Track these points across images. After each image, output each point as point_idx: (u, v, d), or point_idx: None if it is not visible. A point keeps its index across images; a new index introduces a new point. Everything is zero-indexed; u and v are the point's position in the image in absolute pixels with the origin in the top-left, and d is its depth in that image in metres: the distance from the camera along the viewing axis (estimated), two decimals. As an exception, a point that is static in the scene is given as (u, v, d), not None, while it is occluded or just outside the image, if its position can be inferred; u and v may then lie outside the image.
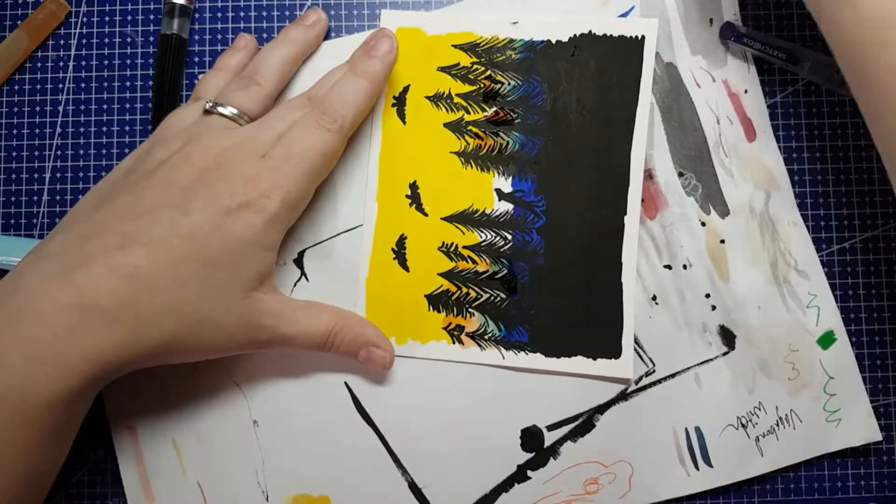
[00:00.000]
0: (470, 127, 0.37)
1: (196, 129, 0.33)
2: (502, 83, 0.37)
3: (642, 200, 0.36)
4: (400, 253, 0.37)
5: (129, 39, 0.38)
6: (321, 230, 0.37)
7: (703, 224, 0.37)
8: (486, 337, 0.36)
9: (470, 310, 0.36)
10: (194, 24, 0.38)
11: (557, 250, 0.36)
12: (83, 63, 0.38)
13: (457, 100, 0.37)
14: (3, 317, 0.28)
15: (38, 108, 0.38)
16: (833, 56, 0.31)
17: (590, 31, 0.37)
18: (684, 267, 0.37)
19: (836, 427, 0.36)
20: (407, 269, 0.37)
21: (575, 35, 0.37)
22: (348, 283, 0.37)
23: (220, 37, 0.38)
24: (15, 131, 0.38)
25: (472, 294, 0.36)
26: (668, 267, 0.37)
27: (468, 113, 0.37)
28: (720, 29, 0.37)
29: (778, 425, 0.36)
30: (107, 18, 0.38)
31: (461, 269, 0.37)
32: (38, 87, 0.38)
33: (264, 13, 0.38)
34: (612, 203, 0.36)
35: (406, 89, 0.37)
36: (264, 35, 0.38)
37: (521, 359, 0.36)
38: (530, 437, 0.36)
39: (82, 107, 0.38)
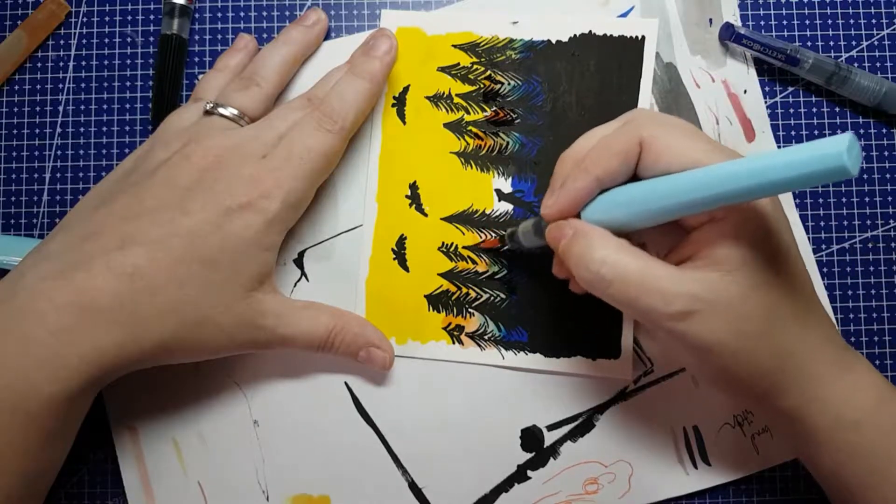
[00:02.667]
0: (470, 127, 0.37)
1: (196, 129, 0.33)
2: (502, 83, 0.37)
3: (642, 201, 0.36)
4: (400, 253, 0.37)
5: (129, 39, 0.38)
6: (321, 230, 0.37)
7: (703, 224, 0.37)
8: (485, 337, 0.36)
9: (470, 310, 0.36)
10: (194, 24, 0.38)
11: (557, 250, 0.36)
12: (83, 63, 0.38)
13: (457, 100, 0.37)
14: (3, 317, 0.28)
15: (38, 108, 0.38)
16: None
17: (590, 31, 0.37)
18: (684, 267, 0.37)
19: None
20: (407, 269, 0.37)
21: (575, 35, 0.37)
22: (348, 283, 0.37)
23: (220, 37, 0.38)
24: (15, 131, 0.38)
25: (472, 294, 0.37)
26: (668, 267, 0.37)
27: (468, 113, 0.37)
28: (720, 29, 0.37)
29: (775, 424, 0.36)
30: (107, 18, 0.38)
31: (461, 269, 0.37)
32: (38, 87, 0.38)
33: (264, 13, 0.38)
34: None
35: (406, 89, 0.37)
36: (264, 35, 0.38)
37: (521, 359, 0.36)
38: (530, 437, 0.36)
39: (82, 107, 0.38)
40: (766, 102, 0.38)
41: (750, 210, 0.27)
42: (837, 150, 0.21)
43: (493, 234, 0.37)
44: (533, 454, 0.36)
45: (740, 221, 0.27)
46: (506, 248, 0.36)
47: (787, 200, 0.37)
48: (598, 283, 0.27)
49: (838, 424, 0.28)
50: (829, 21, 0.38)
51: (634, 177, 0.28)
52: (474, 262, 0.37)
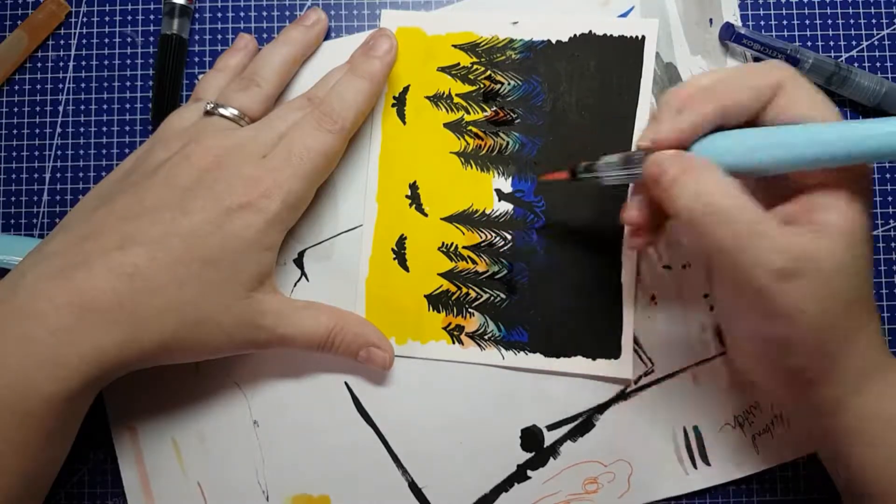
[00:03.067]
0: (470, 127, 0.37)
1: (196, 129, 0.33)
2: (502, 83, 0.37)
3: (642, 200, 0.36)
4: (400, 253, 0.37)
5: (129, 39, 0.38)
6: (321, 230, 0.37)
7: (703, 224, 0.37)
8: (485, 337, 0.36)
9: (470, 310, 0.36)
10: (194, 24, 0.38)
11: (557, 250, 0.36)
12: (83, 63, 0.38)
13: (457, 100, 0.37)
14: (3, 316, 0.28)
15: (38, 108, 0.38)
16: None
17: (590, 31, 0.37)
18: (683, 267, 0.37)
19: (834, 427, 0.36)
20: (407, 269, 0.37)
21: (575, 35, 0.37)
22: (348, 283, 0.37)
23: (220, 37, 0.38)
24: (15, 131, 0.38)
25: (472, 294, 0.37)
26: (668, 267, 0.37)
27: (468, 113, 0.37)
28: (720, 29, 0.37)
29: (773, 424, 0.36)
30: (107, 18, 0.38)
31: (461, 269, 0.37)
32: (38, 87, 0.38)
33: (264, 13, 0.38)
34: (611, 203, 0.36)
35: (406, 89, 0.37)
36: (264, 35, 0.38)
37: (521, 359, 0.36)
38: (530, 437, 0.36)
39: (82, 107, 0.38)
40: (766, 102, 0.37)
41: (862, 181, 0.27)
42: None
43: (495, 234, 0.37)
44: (533, 454, 0.36)
45: (852, 193, 0.26)
46: (578, 177, 0.32)
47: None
48: (706, 221, 0.26)
49: (877, 419, 0.28)
50: (829, 21, 0.38)
51: (748, 124, 0.27)
52: (474, 262, 0.37)
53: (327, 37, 0.38)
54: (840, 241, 0.26)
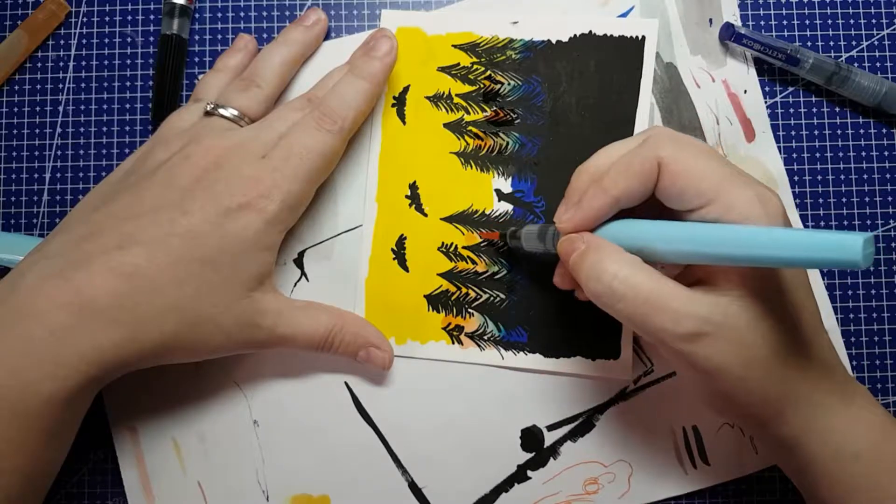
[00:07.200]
0: (470, 127, 0.37)
1: (196, 130, 0.33)
2: (502, 83, 0.37)
3: (642, 201, 0.36)
4: (399, 253, 0.37)
5: (129, 39, 0.38)
6: (321, 230, 0.37)
7: (703, 224, 0.37)
8: (485, 337, 0.36)
9: (469, 310, 0.36)
10: (194, 24, 0.38)
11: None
12: (83, 63, 0.38)
13: (457, 100, 0.37)
14: (2, 316, 0.28)
15: (38, 108, 0.38)
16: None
17: (590, 31, 0.37)
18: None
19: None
20: (406, 269, 0.37)
21: (575, 35, 0.37)
22: (348, 283, 0.37)
23: (220, 37, 0.38)
24: (15, 131, 0.38)
25: (472, 294, 0.37)
26: (668, 267, 0.37)
27: (468, 113, 0.37)
28: (720, 29, 0.37)
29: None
30: (107, 18, 0.38)
31: (461, 269, 0.37)
32: (38, 87, 0.38)
33: (264, 13, 0.38)
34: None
35: (406, 89, 0.37)
36: (264, 35, 0.38)
37: (521, 359, 0.36)
38: (530, 437, 0.36)
39: (82, 107, 0.38)
40: (766, 102, 0.38)
41: None
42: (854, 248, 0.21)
43: (495, 230, 0.37)
44: (533, 454, 0.36)
45: None
46: (504, 245, 0.36)
47: (787, 200, 0.37)
48: (608, 297, 0.27)
49: (838, 455, 0.28)
50: (829, 21, 0.38)
51: (652, 196, 0.28)
52: (474, 262, 0.37)
53: (327, 37, 0.38)
54: (744, 296, 0.26)
